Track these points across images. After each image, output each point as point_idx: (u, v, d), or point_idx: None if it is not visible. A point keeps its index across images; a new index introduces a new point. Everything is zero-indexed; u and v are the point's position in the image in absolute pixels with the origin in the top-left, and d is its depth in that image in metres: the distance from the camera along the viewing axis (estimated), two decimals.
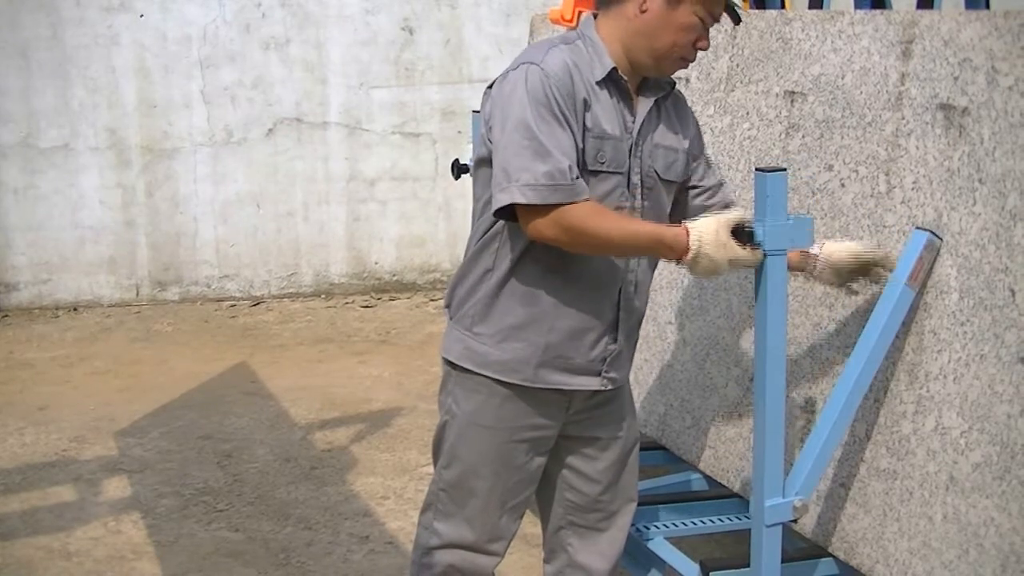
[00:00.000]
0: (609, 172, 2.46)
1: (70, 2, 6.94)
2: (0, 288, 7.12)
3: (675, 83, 2.62)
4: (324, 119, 7.31)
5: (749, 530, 2.59)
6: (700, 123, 2.81)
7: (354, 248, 7.47)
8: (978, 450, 2.45)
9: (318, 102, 7.29)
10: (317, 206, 7.39)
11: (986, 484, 2.43)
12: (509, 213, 2.40)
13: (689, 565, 2.98)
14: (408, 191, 7.48)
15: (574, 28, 4.16)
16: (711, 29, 2.52)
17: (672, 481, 3.49)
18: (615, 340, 2.59)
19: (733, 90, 3.32)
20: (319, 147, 7.33)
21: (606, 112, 2.46)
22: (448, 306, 2.65)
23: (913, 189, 2.67)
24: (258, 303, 7.31)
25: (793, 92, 3.07)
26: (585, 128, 2.42)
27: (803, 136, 3.02)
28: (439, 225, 7.53)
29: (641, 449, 3.66)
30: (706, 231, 2.39)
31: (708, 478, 3.38)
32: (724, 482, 3.26)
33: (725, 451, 3.25)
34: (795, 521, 2.73)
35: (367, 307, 7.24)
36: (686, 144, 2.63)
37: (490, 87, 2.55)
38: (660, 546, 3.11)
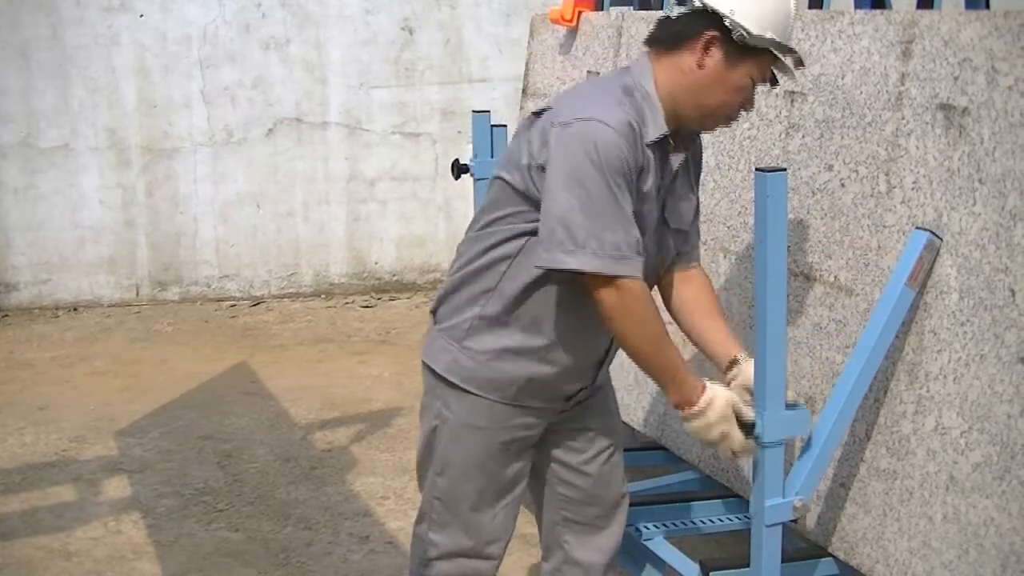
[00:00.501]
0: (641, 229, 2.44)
1: (70, 2, 6.94)
2: (0, 288, 7.12)
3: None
4: (324, 119, 7.31)
5: (749, 530, 2.59)
6: None
7: (354, 248, 7.47)
8: (978, 450, 2.45)
9: (318, 102, 7.29)
10: (317, 206, 7.39)
11: (986, 484, 2.43)
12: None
13: (689, 565, 2.98)
14: (408, 191, 7.48)
15: (574, 28, 4.18)
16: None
17: (672, 481, 3.49)
18: (595, 379, 2.63)
19: None
20: (319, 147, 7.33)
21: (651, 172, 2.42)
22: (434, 312, 2.64)
23: (913, 189, 2.67)
24: (258, 303, 7.31)
25: (793, 92, 3.07)
26: (637, 189, 2.39)
27: (803, 136, 3.02)
28: (439, 225, 7.53)
29: (641, 449, 3.68)
30: (719, 399, 2.40)
31: (708, 478, 3.38)
32: (724, 482, 3.26)
33: None
34: (795, 521, 2.73)
35: (367, 307, 7.24)
36: (698, 191, 2.63)
37: (537, 114, 2.46)
38: (660, 546, 3.11)
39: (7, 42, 6.89)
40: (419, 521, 2.70)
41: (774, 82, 2.52)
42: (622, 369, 3.35)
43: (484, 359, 2.52)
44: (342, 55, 7.27)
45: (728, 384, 2.55)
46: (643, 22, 3.80)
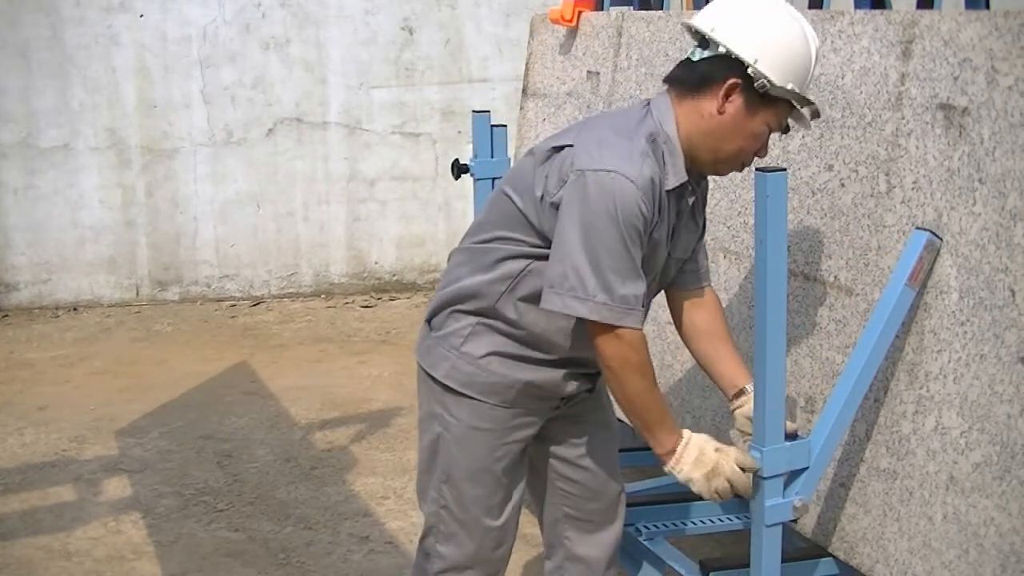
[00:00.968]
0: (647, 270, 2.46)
1: (70, 2, 6.94)
2: (0, 288, 7.12)
3: None
4: (324, 119, 7.31)
5: (749, 530, 2.59)
6: None
7: (354, 248, 7.47)
8: (978, 450, 2.45)
9: (318, 102, 7.29)
10: (317, 206, 7.39)
11: (986, 484, 2.43)
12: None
13: (689, 565, 2.98)
14: (408, 191, 7.48)
15: (574, 28, 4.18)
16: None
17: (672, 481, 3.47)
18: (591, 389, 2.67)
19: None
20: (319, 147, 7.33)
21: (665, 219, 2.45)
22: (429, 321, 2.65)
23: (913, 189, 2.67)
24: (258, 303, 7.31)
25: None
26: (649, 237, 2.41)
27: (803, 136, 3.02)
28: (439, 225, 7.53)
29: (642, 449, 3.67)
30: (690, 453, 2.47)
31: None
32: None
33: None
34: (795, 521, 2.74)
35: (367, 307, 7.24)
36: (704, 222, 2.64)
37: (558, 149, 2.45)
38: (660, 546, 3.11)
39: (7, 42, 6.89)
40: (425, 536, 2.69)
41: (786, 130, 2.54)
42: None
43: (483, 364, 2.54)
44: (342, 55, 7.27)
45: (732, 412, 2.63)
46: (643, 22, 3.80)
